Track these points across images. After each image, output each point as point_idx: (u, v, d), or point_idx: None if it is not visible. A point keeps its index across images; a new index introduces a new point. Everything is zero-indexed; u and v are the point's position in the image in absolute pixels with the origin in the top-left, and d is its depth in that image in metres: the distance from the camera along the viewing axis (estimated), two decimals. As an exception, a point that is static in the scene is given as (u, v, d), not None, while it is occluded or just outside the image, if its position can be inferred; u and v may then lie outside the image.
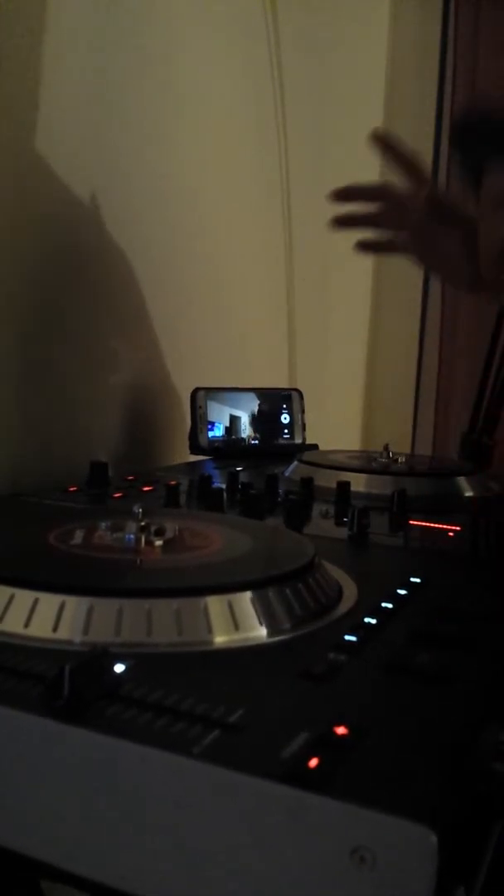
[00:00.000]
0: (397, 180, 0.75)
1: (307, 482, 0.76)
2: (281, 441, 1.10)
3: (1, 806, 0.30)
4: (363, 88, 1.70)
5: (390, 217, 0.74)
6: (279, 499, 0.72)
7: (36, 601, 0.38)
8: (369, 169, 1.77)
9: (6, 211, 0.79)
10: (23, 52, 0.79)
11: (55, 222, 0.86)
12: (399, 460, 0.91)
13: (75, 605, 0.38)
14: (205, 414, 1.00)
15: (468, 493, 0.82)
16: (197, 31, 1.10)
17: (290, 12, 1.32)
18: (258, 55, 1.28)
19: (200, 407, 1.00)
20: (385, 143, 0.73)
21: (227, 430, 1.03)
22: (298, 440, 1.11)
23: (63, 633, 0.37)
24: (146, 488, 0.76)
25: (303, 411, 1.12)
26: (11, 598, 0.38)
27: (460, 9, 1.68)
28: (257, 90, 1.30)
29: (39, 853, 0.30)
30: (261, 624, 0.39)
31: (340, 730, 0.29)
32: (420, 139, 1.73)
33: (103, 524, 0.49)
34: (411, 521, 0.68)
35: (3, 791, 0.30)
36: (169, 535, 0.48)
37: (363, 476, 0.81)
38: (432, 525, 0.66)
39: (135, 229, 1.00)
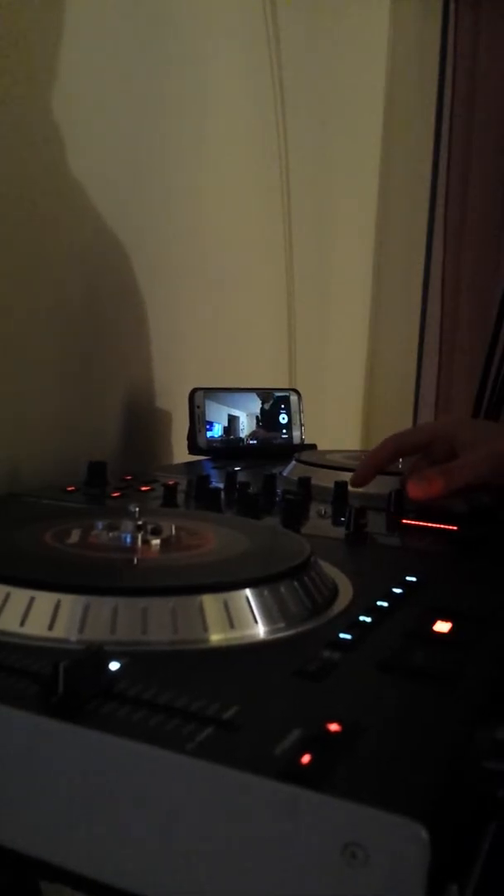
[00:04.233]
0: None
1: (305, 482, 0.76)
2: (279, 441, 1.10)
3: (-4, 803, 0.31)
4: (363, 88, 1.71)
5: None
6: (276, 498, 0.72)
7: (32, 599, 0.38)
8: (369, 168, 1.78)
9: (8, 211, 0.79)
10: (22, 56, 0.79)
11: (54, 222, 0.86)
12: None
13: (71, 604, 0.38)
14: (203, 414, 1.01)
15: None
16: (196, 32, 1.10)
17: (290, 13, 1.33)
18: (258, 55, 1.28)
19: (199, 407, 1.00)
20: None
21: (226, 430, 1.04)
22: (297, 440, 1.11)
23: (59, 632, 0.37)
24: (144, 488, 0.76)
25: (301, 411, 1.12)
26: (7, 596, 0.38)
27: (460, 9, 1.68)
28: (257, 90, 1.30)
29: (35, 851, 0.30)
30: (256, 622, 0.39)
31: (333, 727, 0.29)
32: (420, 139, 1.74)
33: (100, 523, 0.49)
34: (408, 521, 0.68)
35: (-2, 788, 0.30)
36: (165, 534, 0.48)
37: (361, 476, 0.81)
38: (429, 525, 0.66)
39: (134, 230, 1.00)
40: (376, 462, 0.73)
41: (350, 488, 0.74)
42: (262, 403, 1.08)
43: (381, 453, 0.73)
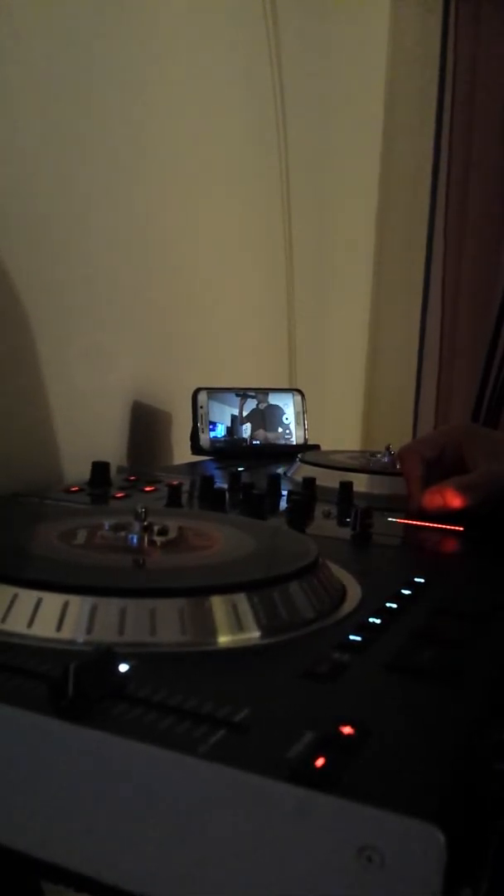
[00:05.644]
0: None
1: (309, 482, 0.76)
2: (282, 441, 1.09)
3: (5, 805, 0.30)
4: (363, 88, 1.70)
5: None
6: (281, 499, 0.72)
7: (39, 601, 0.38)
8: (369, 167, 1.77)
9: (9, 209, 0.79)
10: (17, 51, 0.79)
11: (55, 223, 0.86)
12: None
13: (79, 605, 0.37)
14: (206, 414, 1.00)
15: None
16: (196, 32, 1.09)
17: (290, 13, 1.33)
18: (258, 56, 1.28)
19: (202, 407, 1.00)
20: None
21: (229, 430, 1.03)
22: (300, 441, 1.11)
23: (66, 633, 0.37)
24: (148, 488, 0.76)
25: (304, 412, 1.12)
26: (15, 597, 0.38)
27: (460, 9, 1.68)
28: (258, 90, 1.30)
29: (43, 853, 0.30)
30: (264, 624, 0.39)
31: (346, 729, 0.29)
32: (420, 139, 1.73)
33: (106, 524, 0.49)
34: (413, 522, 0.68)
35: (7, 790, 0.30)
36: (172, 534, 0.48)
37: (365, 476, 0.81)
38: (434, 525, 0.66)
39: (135, 230, 1.00)
40: (418, 480, 0.72)
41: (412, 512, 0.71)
42: (259, 404, 1.08)
43: (416, 471, 0.72)
